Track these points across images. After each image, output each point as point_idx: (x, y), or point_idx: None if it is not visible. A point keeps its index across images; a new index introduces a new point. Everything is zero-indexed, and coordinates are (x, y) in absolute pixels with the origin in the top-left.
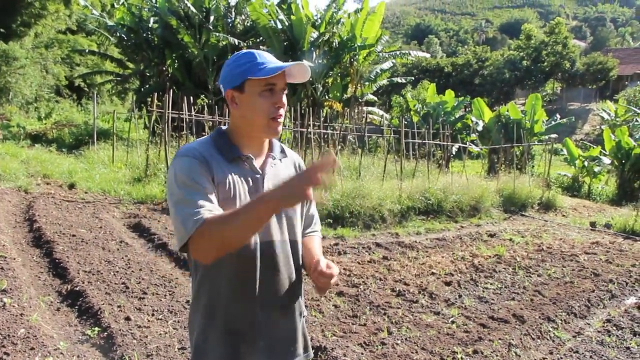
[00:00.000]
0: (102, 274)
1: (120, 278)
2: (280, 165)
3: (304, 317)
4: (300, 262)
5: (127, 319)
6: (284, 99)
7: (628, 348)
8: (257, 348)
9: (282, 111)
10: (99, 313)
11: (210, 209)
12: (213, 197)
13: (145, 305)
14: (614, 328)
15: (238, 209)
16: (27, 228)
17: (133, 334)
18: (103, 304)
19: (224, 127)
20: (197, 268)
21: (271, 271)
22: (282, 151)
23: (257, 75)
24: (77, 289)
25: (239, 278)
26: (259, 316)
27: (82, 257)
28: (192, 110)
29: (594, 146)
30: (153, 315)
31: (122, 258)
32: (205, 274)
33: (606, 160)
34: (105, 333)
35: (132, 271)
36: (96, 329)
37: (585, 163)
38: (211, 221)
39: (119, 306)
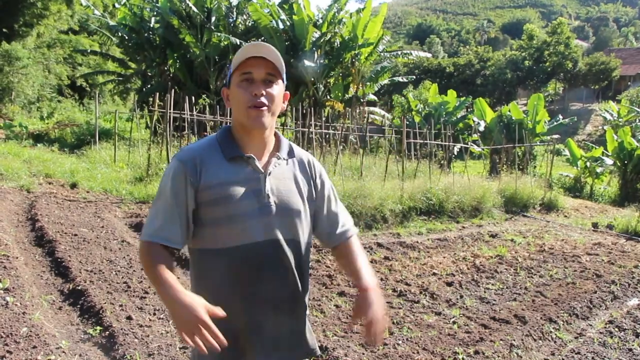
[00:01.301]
0: (103, 273)
1: (122, 277)
2: (286, 167)
3: (307, 314)
4: (305, 261)
5: (129, 318)
6: (274, 90)
7: (630, 350)
8: (259, 346)
9: (264, 99)
10: (100, 312)
11: (161, 230)
12: (176, 214)
13: (146, 304)
14: (616, 329)
15: (155, 273)
16: (30, 227)
17: (135, 333)
18: (105, 303)
19: (230, 125)
20: (194, 266)
21: (272, 270)
22: (291, 151)
23: (232, 69)
24: (79, 288)
25: (238, 277)
26: (259, 315)
27: (84, 256)
28: (194, 110)
29: (596, 147)
30: (154, 314)
31: (124, 257)
32: (202, 272)
33: (608, 161)
34: (107, 332)
35: (134, 270)
36: (98, 328)
37: (588, 164)
38: (146, 252)
39: (120, 305)
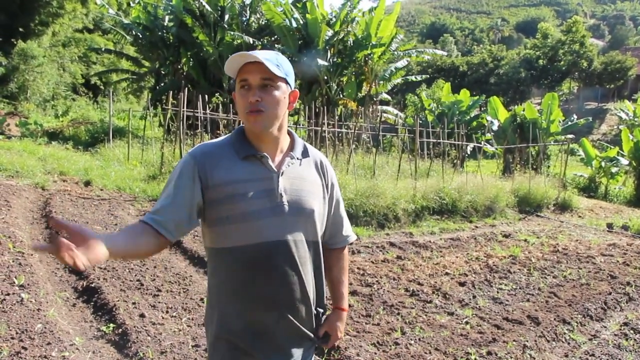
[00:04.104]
0: (117, 270)
1: (135, 275)
2: (300, 166)
3: (323, 315)
4: (320, 262)
5: (142, 315)
6: (271, 94)
7: None
8: (273, 347)
9: (260, 105)
10: (114, 310)
11: (156, 215)
12: (174, 205)
13: (159, 302)
14: (632, 331)
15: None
16: (44, 224)
17: (147, 331)
18: (118, 300)
19: (243, 126)
20: (209, 264)
21: (282, 271)
22: (305, 151)
23: (232, 74)
24: (93, 285)
25: (248, 276)
26: (268, 315)
27: None
28: (207, 108)
29: (612, 146)
30: (167, 312)
31: None
32: (214, 271)
33: (624, 161)
34: (120, 329)
35: (147, 268)
36: (111, 325)
37: (602, 164)
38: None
39: (133, 303)
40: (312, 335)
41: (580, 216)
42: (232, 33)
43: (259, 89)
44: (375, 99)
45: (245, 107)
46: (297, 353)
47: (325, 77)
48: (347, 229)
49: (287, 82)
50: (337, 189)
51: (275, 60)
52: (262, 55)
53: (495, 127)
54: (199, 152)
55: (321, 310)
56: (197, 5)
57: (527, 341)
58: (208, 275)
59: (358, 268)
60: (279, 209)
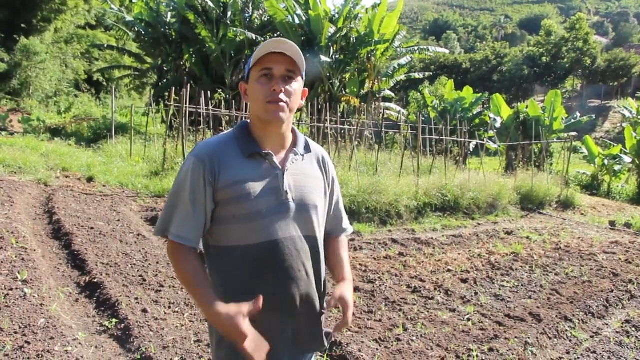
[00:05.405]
0: (119, 266)
1: (138, 271)
2: (303, 162)
3: (324, 313)
4: (322, 258)
5: (144, 311)
6: (293, 86)
7: None
8: (280, 344)
9: (282, 96)
10: (116, 305)
11: (181, 230)
12: (194, 215)
13: (162, 297)
14: (633, 329)
15: (188, 274)
16: (47, 220)
17: (150, 326)
18: (121, 296)
19: (248, 121)
20: (210, 262)
21: (288, 268)
22: (307, 146)
23: (251, 63)
24: (95, 280)
25: (254, 275)
26: (275, 314)
27: (100, 249)
28: (210, 104)
29: (615, 144)
30: (170, 307)
31: (140, 251)
32: (218, 269)
33: (627, 159)
34: (123, 325)
35: (149, 264)
36: (114, 320)
37: (605, 161)
38: (173, 253)
39: (136, 298)
40: (318, 334)
41: (582, 214)
42: (234, 29)
43: (282, 80)
44: (377, 96)
45: (266, 96)
46: (303, 352)
47: (328, 74)
48: (346, 223)
49: (303, 77)
50: (337, 184)
51: (299, 53)
52: (289, 46)
53: (498, 125)
54: (204, 153)
55: (324, 311)
56: (200, 1)
57: (529, 338)
58: (211, 273)
59: (360, 264)
60: (284, 207)
